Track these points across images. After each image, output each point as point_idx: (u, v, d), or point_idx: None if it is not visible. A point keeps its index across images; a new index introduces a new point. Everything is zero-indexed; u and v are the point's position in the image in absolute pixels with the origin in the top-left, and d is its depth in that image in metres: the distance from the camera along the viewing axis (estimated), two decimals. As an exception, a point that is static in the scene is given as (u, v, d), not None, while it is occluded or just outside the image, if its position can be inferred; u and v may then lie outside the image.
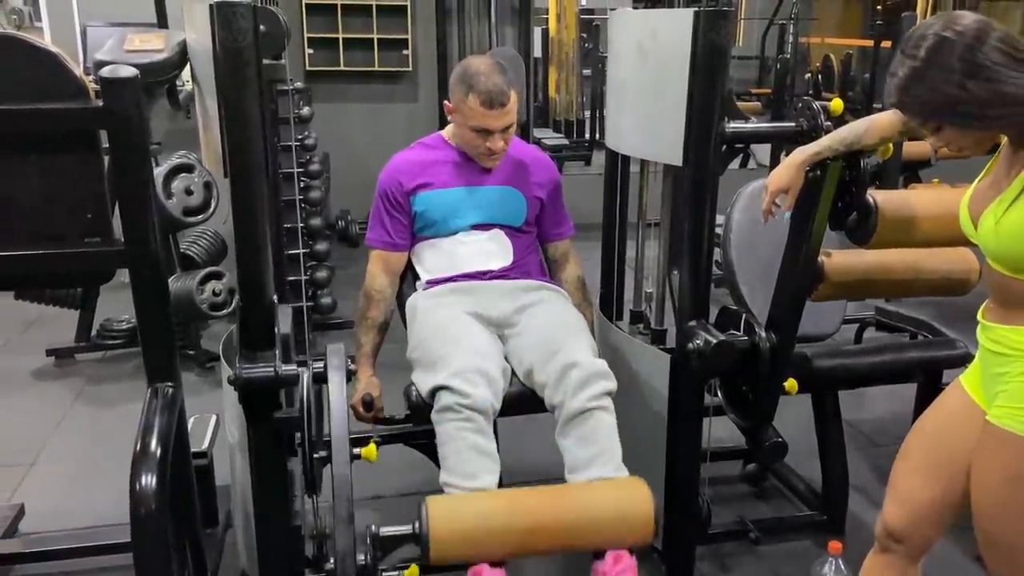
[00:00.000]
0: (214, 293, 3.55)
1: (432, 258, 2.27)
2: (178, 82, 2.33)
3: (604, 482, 1.89)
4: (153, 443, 1.79)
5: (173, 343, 1.95)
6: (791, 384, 2.09)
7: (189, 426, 2.39)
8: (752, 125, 2.00)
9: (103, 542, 2.34)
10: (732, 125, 1.96)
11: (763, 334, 2.01)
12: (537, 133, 7.75)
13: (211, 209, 3.60)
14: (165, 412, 1.87)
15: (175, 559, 2.11)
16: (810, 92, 7.66)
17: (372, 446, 1.87)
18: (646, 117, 2.11)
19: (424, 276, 2.28)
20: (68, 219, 1.76)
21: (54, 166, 1.72)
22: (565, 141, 7.37)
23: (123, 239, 1.79)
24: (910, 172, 4.61)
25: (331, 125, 5.10)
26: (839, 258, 2.08)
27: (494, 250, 2.24)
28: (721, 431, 2.28)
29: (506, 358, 2.11)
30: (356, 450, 1.91)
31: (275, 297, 1.88)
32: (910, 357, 2.27)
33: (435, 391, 1.92)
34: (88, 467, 2.85)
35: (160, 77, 1.83)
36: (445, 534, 1.77)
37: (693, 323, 2.04)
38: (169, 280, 3.05)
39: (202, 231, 4.04)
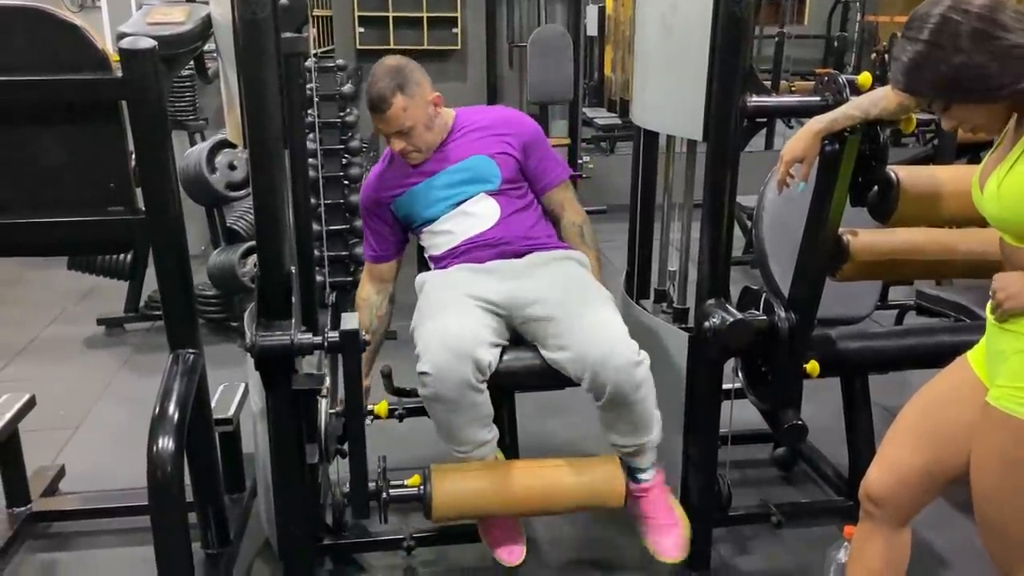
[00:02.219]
0: (255, 266, 3.61)
1: (430, 239, 2.32)
2: (208, 56, 2.37)
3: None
4: (171, 408, 1.85)
5: (193, 310, 2.00)
6: (812, 366, 2.04)
7: (217, 393, 2.47)
8: (775, 99, 1.95)
9: (137, 503, 2.42)
10: (754, 99, 1.91)
11: (782, 314, 1.97)
12: (590, 112, 7.70)
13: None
14: (184, 378, 1.93)
15: (199, 522, 2.19)
16: (877, 72, 7.43)
17: (384, 403, 1.90)
18: (668, 91, 2.07)
19: (428, 254, 2.34)
20: (91, 188, 1.82)
21: (77, 136, 1.78)
22: (617, 120, 7.30)
23: (144, 209, 1.84)
24: (971, 155, 4.43)
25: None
26: (865, 237, 2.02)
27: (477, 213, 2.24)
28: (752, 414, 2.25)
29: (523, 340, 2.11)
30: (369, 406, 1.97)
31: (293, 268, 1.91)
32: (940, 340, 2.19)
33: (420, 376, 1.95)
34: (129, 432, 2.92)
35: (180, 49, 1.85)
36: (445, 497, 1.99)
37: (711, 302, 2.01)
38: (212, 254, 3.14)
39: (249, 206, 4.10)
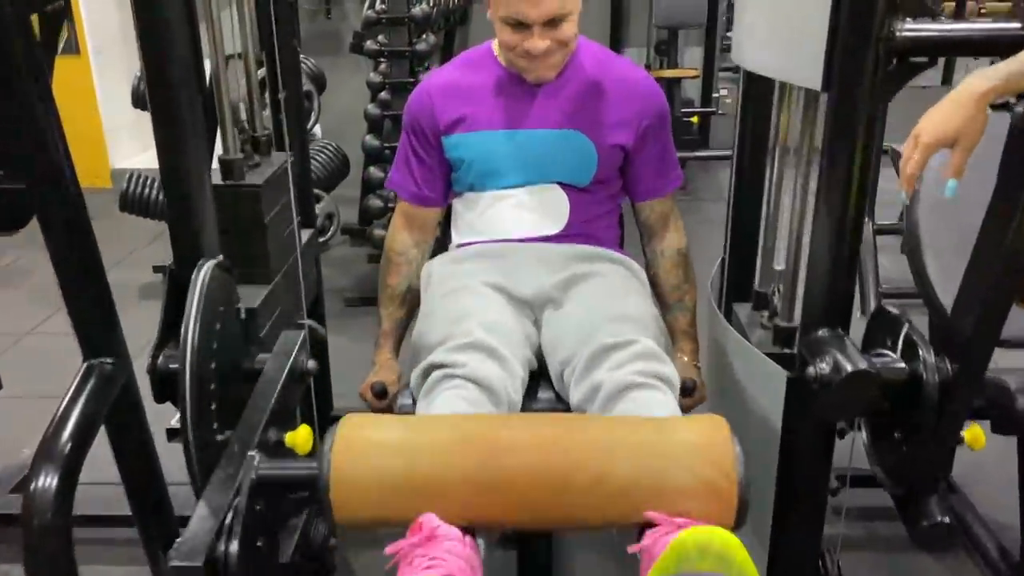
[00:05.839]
0: (308, 220, 3.17)
1: (464, 217, 1.70)
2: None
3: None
4: (65, 435, 1.40)
5: (108, 306, 1.53)
6: (975, 435, 1.36)
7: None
8: (942, 26, 1.24)
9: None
10: (909, 26, 1.21)
11: (931, 359, 1.29)
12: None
13: (309, 123, 3.20)
14: (95, 398, 1.48)
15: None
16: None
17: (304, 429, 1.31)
18: (777, 19, 1.40)
19: (455, 238, 1.72)
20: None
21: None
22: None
23: (25, 175, 1.37)
24: None
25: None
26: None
27: (541, 210, 1.63)
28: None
29: (539, 355, 1.54)
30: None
31: (219, 258, 1.40)
32: None
33: (425, 374, 1.39)
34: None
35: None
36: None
37: (822, 333, 1.36)
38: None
39: (324, 145, 3.68)
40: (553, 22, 1.49)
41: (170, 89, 1.23)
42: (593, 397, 1.35)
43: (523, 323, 1.54)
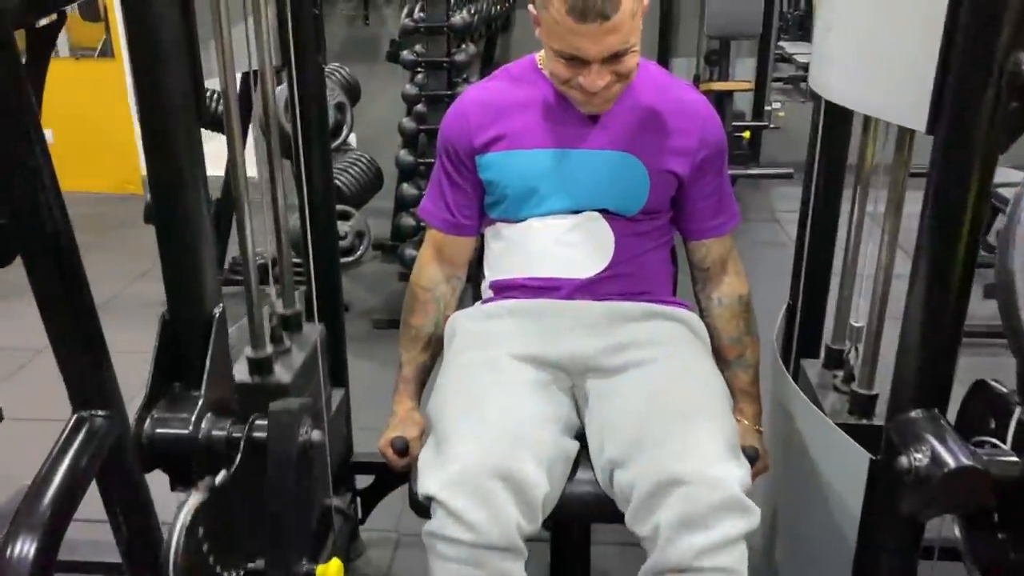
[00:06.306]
0: (339, 236, 3.02)
1: (499, 249, 1.51)
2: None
3: None
4: (45, 501, 1.25)
5: (101, 354, 1.37)
6: (1097, 541, 1.15)
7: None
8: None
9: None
10: (1038, 60, 1.01)
11: (1049, 453, 1.09)
12: (790, 48, 6.54)
13: (342, 135, 3.05)
14: (83, 455, 1.32)
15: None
16: None
17: (334, 564, 1.18)
18: (871, 47, 1.20)
19: (488, 274, 1.54)
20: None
21: None
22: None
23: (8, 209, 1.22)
24: None
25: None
26: None
27: (584, 243, 1.43)
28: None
29: (580, 433, 1.35)
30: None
31: (217, 309, 1.24)
32: None
33: (428, 500, 1.21)
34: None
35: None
36: None
37: (917, 413, 1.16)
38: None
39: (357, 157, 3.53)
40: (615, 56, 1.29)
41: (166, 120, 1.07)
42: (655, 536, 1.17)
43: (557, 403, 1.36)
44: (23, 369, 2.97)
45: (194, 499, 1.11)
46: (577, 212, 1.43)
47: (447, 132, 1.49)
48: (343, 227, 3.01)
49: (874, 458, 1.23)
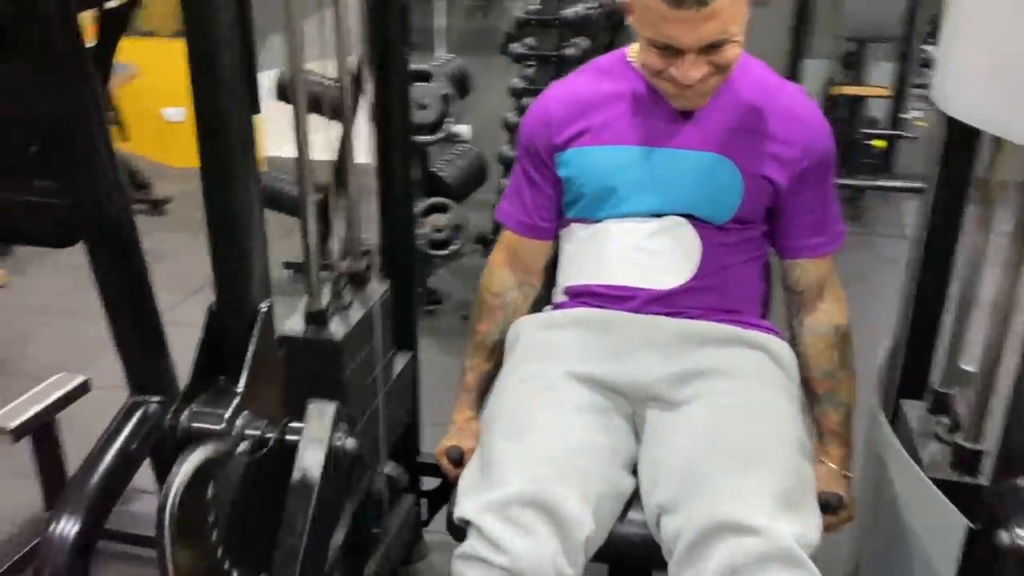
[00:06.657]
0: (435, 229, 2.99)
1: (571, 251, 1.41)
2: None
3: None
4: (93, 481, 1.25)
5: (159, 341, 1.35)
6: None
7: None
8: None
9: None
10: None
11: None
12: (935, 51, 6.12)
13: (444, 128, 3.00)
14: (133, 439, 1.32)
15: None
16: None
17: None
18: (1007, 63, 1.05)
19: (561, 279, 1.44)
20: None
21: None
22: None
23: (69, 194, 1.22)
24: None
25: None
26: None
27: (667, 251, 1.31)
28: None
29: (635, 468, 1.25)
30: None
31: (264, 305, 1.19)
32: None
33: (465, 523, 1.14)
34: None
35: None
36: None
37: (1024, 481, 1.01)
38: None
39: (463, 150, 3.48)
40: (712, 46, 1.18)
41: (219, 109, 1.03)
42: None
43: (614, 432, 1.26)
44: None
45: (200, 453, 1.03)
46: (660, 216, 1.32)
47: (527, 129, 1.41)
48: (440, 219, 2.97)
49: (972, 527, 1.08)
